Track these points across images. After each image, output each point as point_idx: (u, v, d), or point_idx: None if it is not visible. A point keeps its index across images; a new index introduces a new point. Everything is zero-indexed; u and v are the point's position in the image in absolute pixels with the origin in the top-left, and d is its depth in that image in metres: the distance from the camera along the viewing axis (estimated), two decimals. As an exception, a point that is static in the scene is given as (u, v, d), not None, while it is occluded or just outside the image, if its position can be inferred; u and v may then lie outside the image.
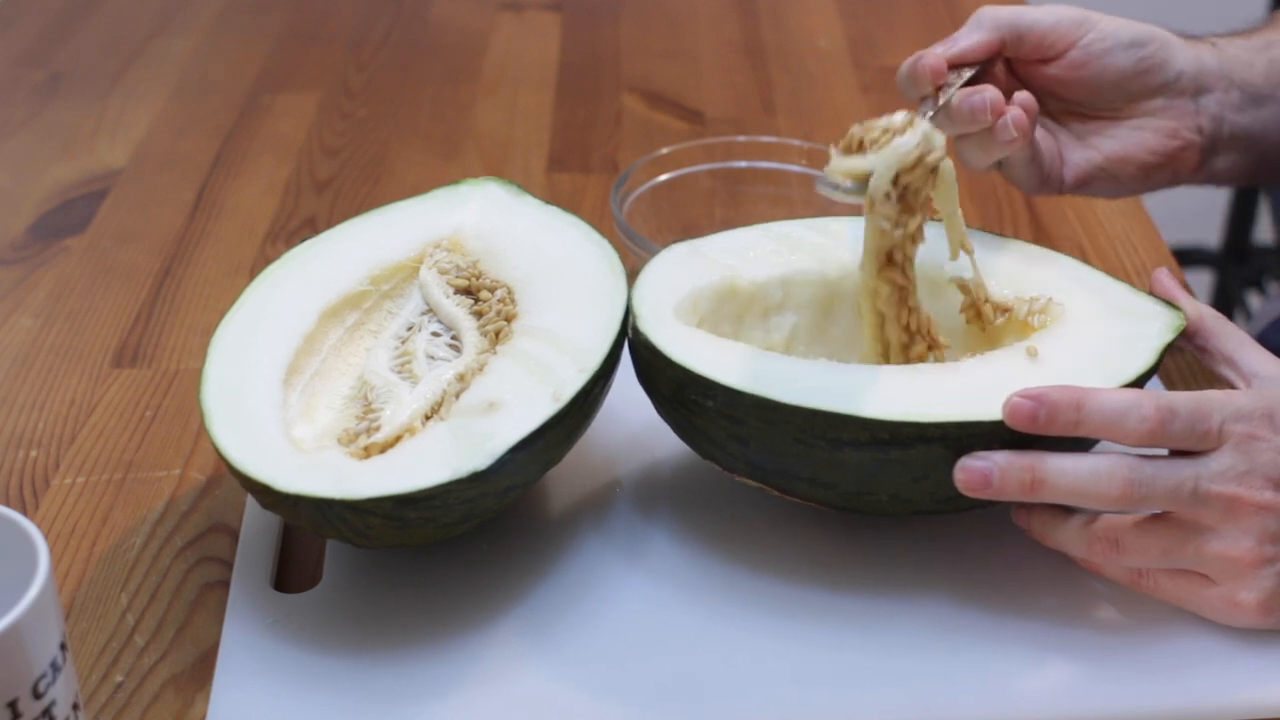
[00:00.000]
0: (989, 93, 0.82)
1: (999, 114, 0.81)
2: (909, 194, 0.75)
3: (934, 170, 0.74)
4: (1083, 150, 0.89)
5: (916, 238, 0.77)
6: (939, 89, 0.83)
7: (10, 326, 1.00)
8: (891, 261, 0.77)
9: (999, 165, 0.87)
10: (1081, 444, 0.72)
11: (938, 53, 0.84)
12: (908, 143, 0.73)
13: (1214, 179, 0.92)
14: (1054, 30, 0.86)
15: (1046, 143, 0.88)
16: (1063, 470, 0.69)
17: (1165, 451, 0.71)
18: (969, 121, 0.82)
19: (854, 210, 1.02)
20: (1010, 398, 0.69)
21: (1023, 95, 0.83)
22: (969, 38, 0.85)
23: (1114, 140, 0.89)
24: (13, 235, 1.11)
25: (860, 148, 0.74)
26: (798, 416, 0.71)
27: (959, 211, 0.78)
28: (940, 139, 0.74)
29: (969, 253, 0.79)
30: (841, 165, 0.74)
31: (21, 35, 1.44)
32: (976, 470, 0.70)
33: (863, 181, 0.74)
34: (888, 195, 0.74)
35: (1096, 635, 0.73)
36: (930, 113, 0.82)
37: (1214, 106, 0.89)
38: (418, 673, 0.71)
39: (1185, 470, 0.69)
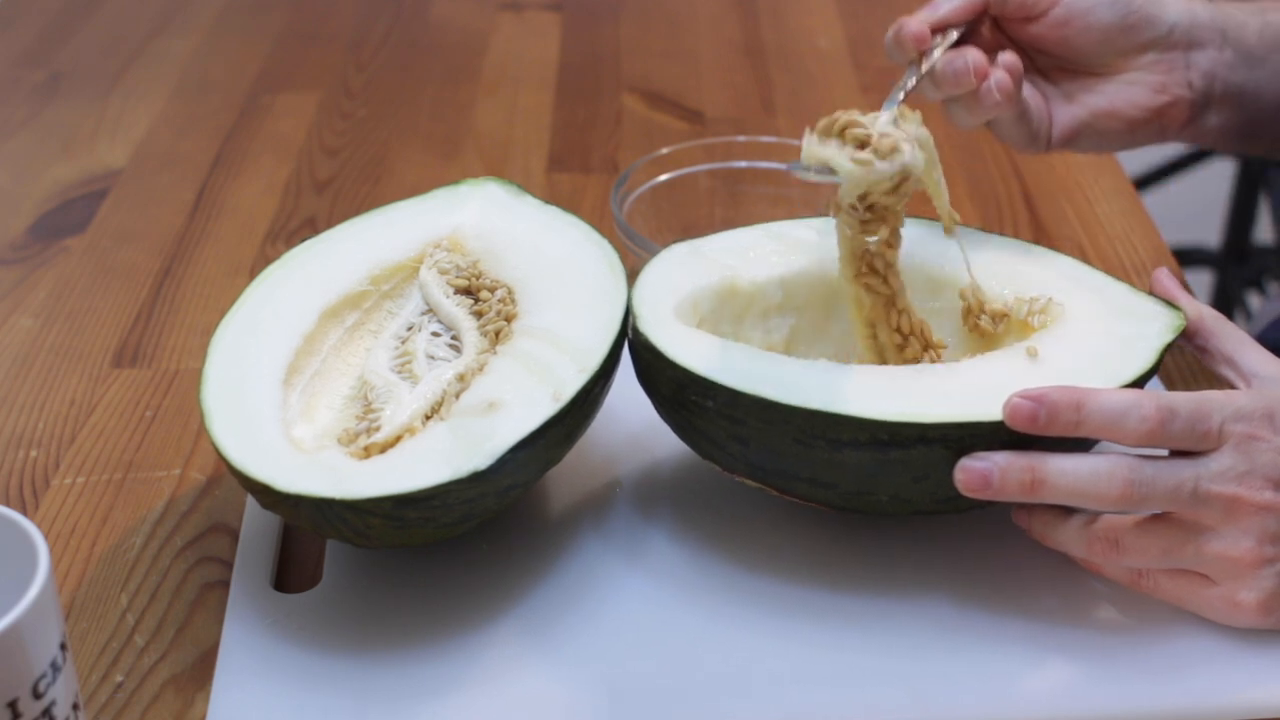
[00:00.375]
0: (971, 56, 0.82)
1: (983, 77, 0.82)
2: (877, 207, 0.75)
3: (906, 193, 0.75)
4: (1070, 107, 0.89)
5: (893, 243, 0.77)
6: (923, 54, 0.83)
7: (10, 326, 1.00)
8: (872, 270, 0.78)
9: (988, 123, 0.87)
10: (1082, 444, 0.72)
11: (920, 18, 0.84)
12: (884, 170, 0.73)
13: (1203, 136, 0.92)
14: None
15: (1035, 100, 0.88)
16: (1063, 471, 0.69)
17: (1165, 452, 0.71)
18: (953, 85, 0.82)
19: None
20: (1010, 398, 0.69)
21: (1007, 57, 0.83)
22: (951, 1, 0.85)
23: (1102, 96, 0.88)
24: (13, 235, 1.11)
25: (842, 134, 0.74)
26: (797, 417, 0.71)
27: (943, 182, 0.78)
28: (921, 164, 0.74)
29: (954, 223, 0.79)
30: (814, 153, 0.74)
31: (21, 35, 1.44)
32: (976, 471, 0.70)
33: (829, 170, 0.74)
34: (854, 206, 0.75)
35: (1097, 635, 0.73)
36: (914, 80, 0.82)
37: (1206, 63, 0.89)
38: (418, 673, 0.71)
39: (1185, 471, 0.69)
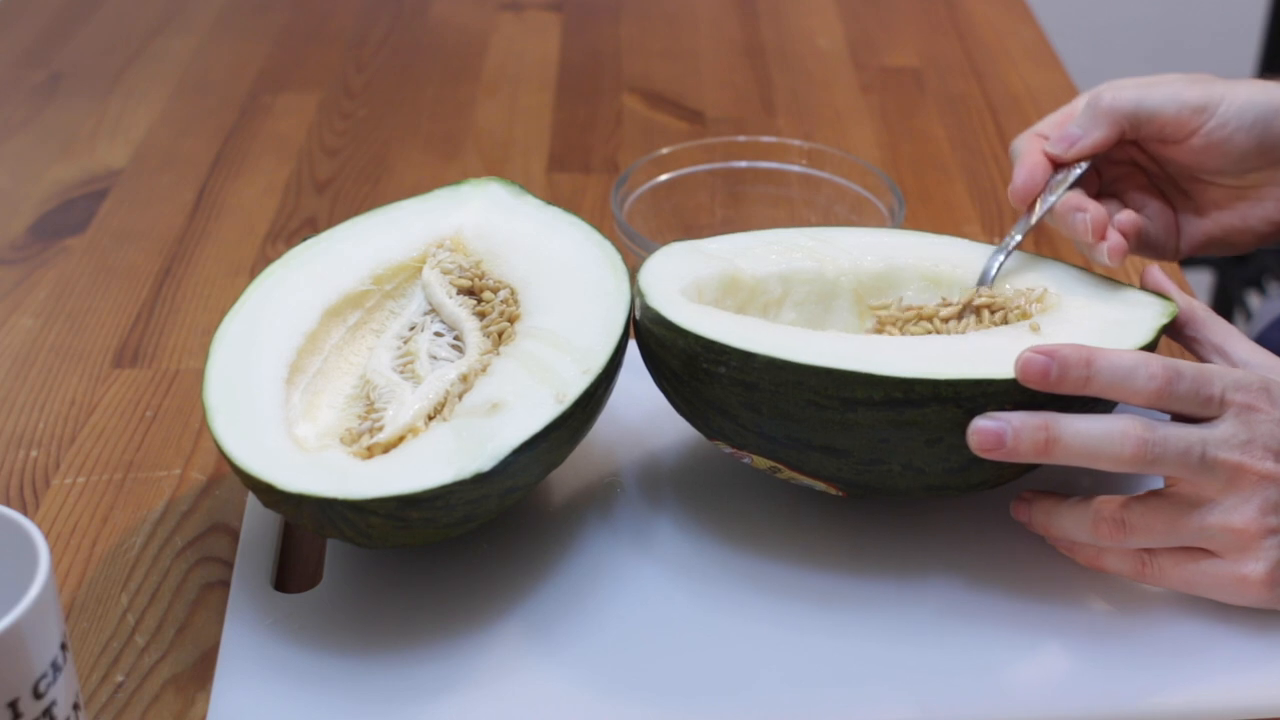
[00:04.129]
0: (1090, 215, 0.80)
1: (1099, 236, 0.81)
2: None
3: None
4: (1200, 222, 0.87)
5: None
6: (1040, 195, 0.83)
7: (10, 326, 1.00)
8: None
9: None
10: (1089, 409, 0.72)
11: (1055, 152, 0.83)
12: None
13: None
14: (1174, 120, 0.83)
15: (1162, 218, 0.87)
16: (1076, 430, 0.69)
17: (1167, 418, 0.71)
18: (1069, 234, 0.82)
19: (850, 210, 1.03)
20: (1023, 353, 0.70)
21: (1125, 219, 0.81)
22: (1088, 137, 0.83)
23: (1233, 213, 0.87)
24: (13, 235, 1.11)
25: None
26: (812, 376, 0.71)
27: None
28: None
29: None
30: None
31: (21, 35, 1.44)
32: (990, 431, 0.70)
33: None
34: None
35: (1099, 629, 0.73)
36: (1028, 226, 0.83)
37: None
38: (418, 673, 0.71)
39: (1193, 434, 0.70)
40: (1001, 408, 0.70)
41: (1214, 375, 0.71)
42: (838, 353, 0.72)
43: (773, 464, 0.76)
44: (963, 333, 0.80)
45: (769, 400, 0.72)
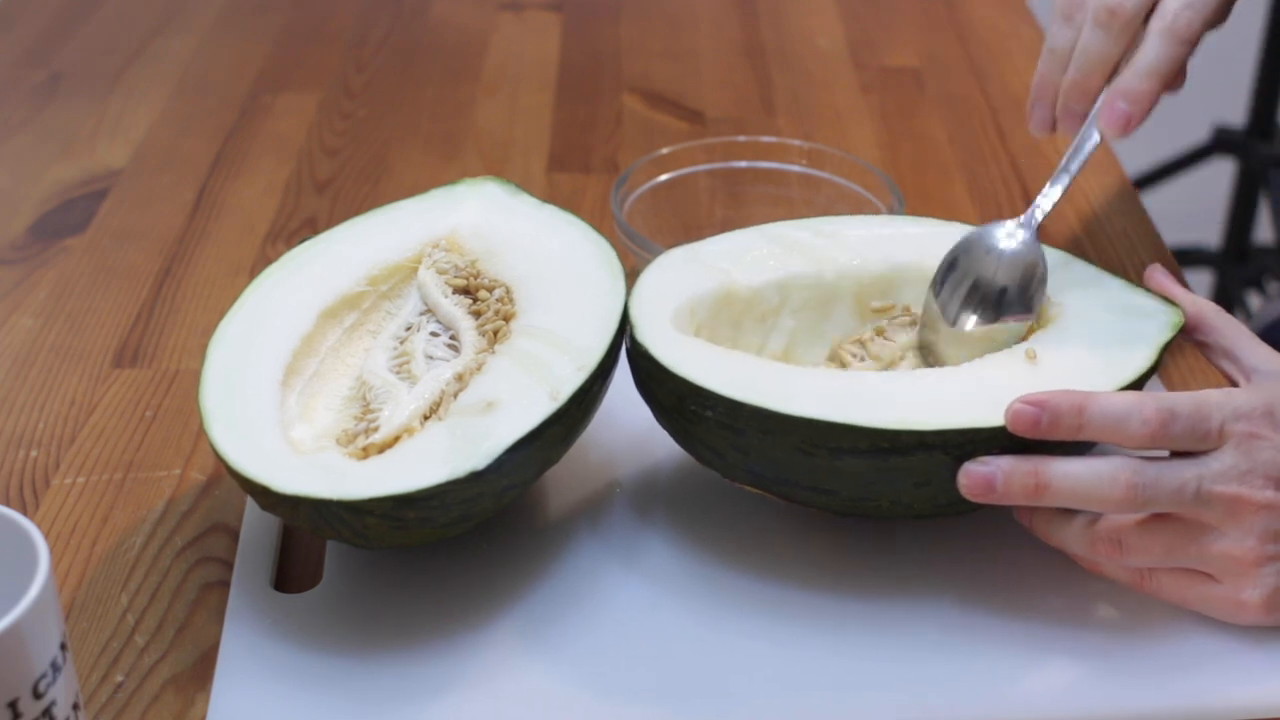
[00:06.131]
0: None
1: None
2: None
3: None
4: None
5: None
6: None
7: (10, 326, 1.00)
8: None
9: None
10: (1082, 446, 0.72)
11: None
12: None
13: None
14: None
15: None
16: (1066, 474, 0.69)
17: (1165, 452, 0.71)
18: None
19: (850, 210, 1.03)
20: (1012, 404, 0.69)
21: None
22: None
23: None
24: (13, 235, 1.11)
25: None
26: (798, 427, 0.70)
27: None
28: None
29: None
30: None
31: (21, 35, 1.44)
32: (980, 475, 0.70)
33: None
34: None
35: (1100, 636, 0.73)
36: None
37: None
38: (418, 673, 0.71)
39: (1188, 471, 0.69)
40: (990, 452, 0.70)
41: (1212, 407, 0.70)
42: (824, 399, 0.71)
43: (762, 493, 0.76)
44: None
45: (756, 445, 0.72)
